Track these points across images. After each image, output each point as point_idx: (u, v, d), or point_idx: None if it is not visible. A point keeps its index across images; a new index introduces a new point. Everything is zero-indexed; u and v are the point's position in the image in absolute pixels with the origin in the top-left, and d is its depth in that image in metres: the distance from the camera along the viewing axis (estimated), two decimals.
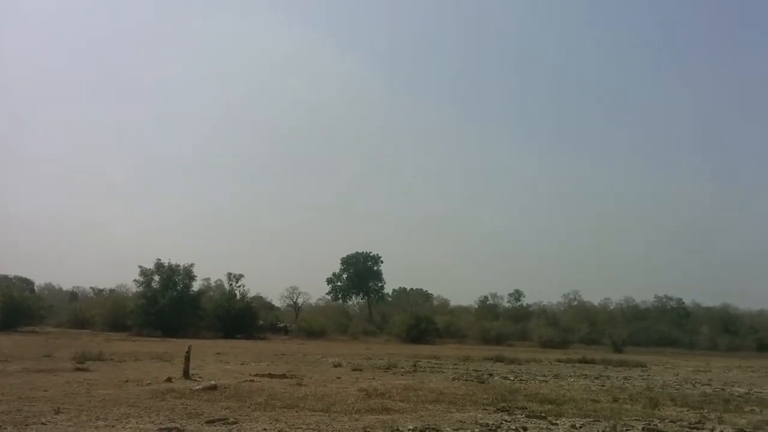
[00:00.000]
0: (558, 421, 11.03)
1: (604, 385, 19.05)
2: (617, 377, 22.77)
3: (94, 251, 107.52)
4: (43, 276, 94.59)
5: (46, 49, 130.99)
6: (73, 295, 74.68)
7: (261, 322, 58.79)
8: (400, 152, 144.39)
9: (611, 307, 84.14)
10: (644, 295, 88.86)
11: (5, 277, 68.02)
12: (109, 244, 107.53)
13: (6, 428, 8.50)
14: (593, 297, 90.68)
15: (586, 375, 23.27)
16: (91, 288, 75.88)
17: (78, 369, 17.22)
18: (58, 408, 10.24)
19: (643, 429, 10.39)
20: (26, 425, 8.78)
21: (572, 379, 20.98)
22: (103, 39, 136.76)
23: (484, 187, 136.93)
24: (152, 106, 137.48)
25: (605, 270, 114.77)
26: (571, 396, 15.21)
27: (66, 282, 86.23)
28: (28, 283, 70.37)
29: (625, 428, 10.40)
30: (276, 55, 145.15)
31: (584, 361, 33.01)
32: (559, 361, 33.34)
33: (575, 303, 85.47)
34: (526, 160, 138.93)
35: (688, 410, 13.54)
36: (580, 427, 10.44)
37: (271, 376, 17.45)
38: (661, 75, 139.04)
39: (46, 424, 8.90)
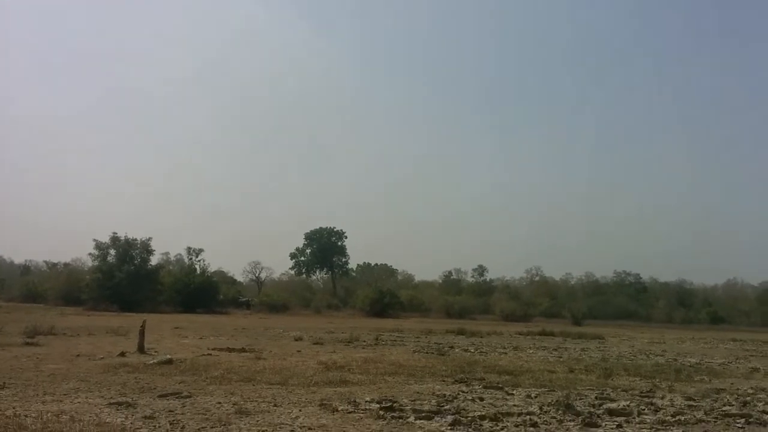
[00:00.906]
0: (514, 392, 11.12)
1: (561, 357, 19.37)
2: (575, 349, 23.20)
3: (48, 223, 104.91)
4: None
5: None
6: (25, 269, 72.83)
7: (221, 296, 58.26)
8: (366, 126, 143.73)
9: (572, 282, 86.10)
10: (604, 270, 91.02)
11: None
12: (64, 218, 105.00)
13: None
14: (555, 272, 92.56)
15: (544, 347, 23.65)
16: (45, 262, 74.16)
17: (28, 343, 16.68)
18: (4, 383, 9.86)
19: (595, 398, 10.54)
20: None
21: (531, 351, 21.28)
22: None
23: (449, 163, 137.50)
24: (109, 76, 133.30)
25: (567, 246, 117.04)
26: (529, 367, 15.40)
27: (18, 255, 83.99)
28: None
29: (578, 397, 10.53)
30: (238, 23, 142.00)
31: (544, 333, 33.62)
32: (520, 333, 33.89)
33: (537, 278, 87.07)
34: (491, 136, 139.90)
35: (640, 380, 13.83)
36: (535, 397, 10.54)
37: (229, 350, 17.23)
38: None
39: None
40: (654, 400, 10.56)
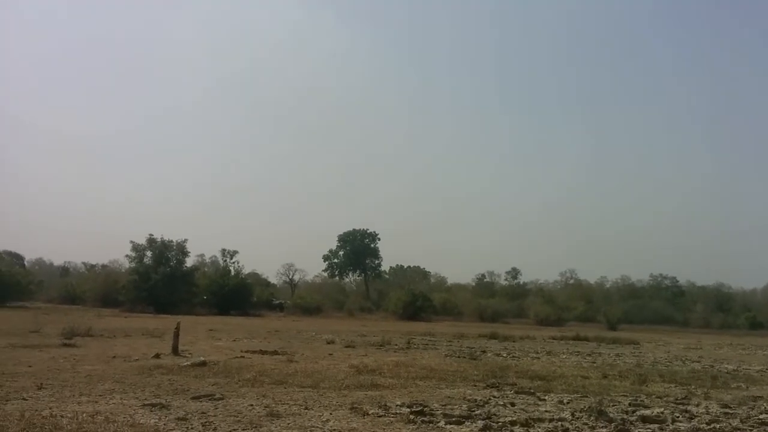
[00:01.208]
0: (546, 397, 10.96)
1: (595, 362, 19.05)
2: (609, 354, 22.80)
3: (86, 226, 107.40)
4: (34, 251, 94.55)
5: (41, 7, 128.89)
6: (64, 271, 74.74)
7: (255, 298, 58.85)
8: (399, 129, 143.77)
9: (607, 286, 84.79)
10: (640, 273, 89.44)
11: None
12: (102, 220, 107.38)
13: None
14: (590, 275, 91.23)
15: (578, 352, 23.29)
16: (83, 263, 76.10)
17: (65, 345, 17.08)
18: (41, 384, 10.10)
19: (629, 404, 10.33)
20: (7, 400, 8.63)
21: (564, 356, 20.98)
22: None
23: (482, 166, 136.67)
24: (148, 83, 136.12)
25: (602, 249, 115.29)
26: (562, 372, 15.18)
27: (57, 257, 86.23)
28: (17, 258, 70.31)
29: (611, 404, 10.33)
30: (278, 29, 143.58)
31: (578, 338, 33.10)
32: (553, 338, 33.45)
33: (572, 281, 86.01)
34: (525, 137, 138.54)
35: (675, 386, 13.51)
36: (568, 403, 10.37)
37: (262, 352, 17.37)
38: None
39: (27, 400, 8.75)
40: (689, 408, 10.30)
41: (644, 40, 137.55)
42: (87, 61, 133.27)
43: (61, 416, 7.64)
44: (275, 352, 17.48)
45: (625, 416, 9.15)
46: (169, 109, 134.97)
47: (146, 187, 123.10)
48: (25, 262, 72.55)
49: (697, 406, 10.59)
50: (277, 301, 64.46)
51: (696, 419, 9.21)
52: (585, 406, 9.64)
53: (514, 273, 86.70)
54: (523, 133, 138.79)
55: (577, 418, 8.89)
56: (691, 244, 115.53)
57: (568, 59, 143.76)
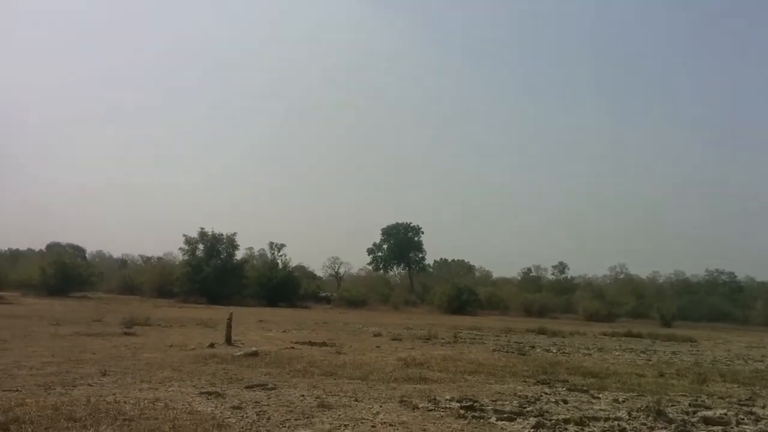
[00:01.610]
0: (600, 395, 10.77)
1: (650, 360, 18.61)
2: (664, 352, 22.23)
3: (142, 220, 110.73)
4: (95, 244, 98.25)
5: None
6: (122, 263, 77.28)
7: (302, 291, 59.56)
8: (444, 123, 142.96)
9: (660, 281, 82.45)
10: (695, 268, 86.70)
11: (58, 245, 70.66)
12: (158, 216, 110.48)
13: (55, 388, 8.75)
14: (641, 270, 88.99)
15: (631, 349, 22.78)
16: (140, 256, 78.53)
17: (126, 333, 17.71)
18: (105, 370, 10.51)
19: (689, 405, 10.04)
20: (74, 386, 9.02)
21: (617, 353, 20.56)
22: None
23: (529, 158, 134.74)
24: (202, 78, 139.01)
25: (654, 243, 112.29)
26: (615, 370, 14.88)
27: (116, 250, 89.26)
28: (80, 251, 73.02)
29: (670, 404, 10.07)
30: (335, 28, 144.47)
31: (630, 335, 32.37)
32: (604, 334, 32.83)
33: (622, 276, 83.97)
34: (573, 130, 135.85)
35: (738, 386, 13.09)
36: (623, 402, 10.17)
37: (311, 343, 17.62)
38: None
39: (92, 386, 9.12)
40: (754, 409, 9.95)
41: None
42: (167, 63, 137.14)
43: (124, 402, 7.94)
44: (324, 344, 17.70)
45: (685, 417, 8.91)
46: (217, 108, 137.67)
47: (198, 184, 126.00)
48: (87, 255, 75.38)
49: (763, 407, 10.24)
50: (324, 294, 65.11)
51: (762, 422, 8.92)
52: (642, 406, 9.43)
53: (562, 267, 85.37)
54: (571, 123, 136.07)
55: (635, 417, 8.70)
56: (750, 239, 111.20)
57: (611, 47, 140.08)
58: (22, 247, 77.52)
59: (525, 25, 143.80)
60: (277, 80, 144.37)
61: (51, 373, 10.07)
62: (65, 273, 47.44)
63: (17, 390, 8.47)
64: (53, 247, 70.08)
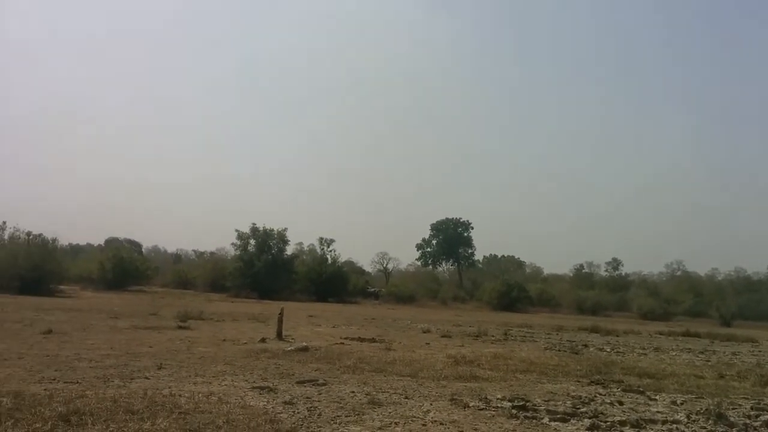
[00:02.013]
0: (657, 397, 10.44)
1: (709, 360, 17.98)
2: (724, 352, 21.43)
3: (197, 216, 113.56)
4: (150, 239, 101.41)
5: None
6: (177, 257, 79.43)
7: (351, 286, 59.96)
8: (494, 120, 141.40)
9: (719, 278, 79.62)
10: (757, 265, 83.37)
11: (116, 240, 73.07)
12: (210, 211, 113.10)
13: (113, 381, 9.02)
14: (699, 267, 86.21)
15: (689, 349, 22.05)
16: (193, 251, 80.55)
17: (180, 327, 18.16)
18: (161, 364, 10.79)
19: (751, 408, 9.62)
20: (131, 379, 9.28)
21: (674, 353, 19.93)
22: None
23: (582, 152, 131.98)
24: (256, 76, 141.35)
25: (713, 239, 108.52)
26: (673, 371, 14.40)
27: (170, 244, 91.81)
28: (136, 246, 75.34)
29: (731, 407, 9.68)
30: (388, 25, 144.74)
31: (688, 334, 31.39)
32: (660, 333, 31.92)
33: (679, 273, 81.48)
34: (630, 123, 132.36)
35: None
36: (681, 404, 9.83)
37: (360, 339, 17.70)
38: None
39: (149, 379, 9.37)
40: None
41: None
42: (212, 70, 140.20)
43: (180, 395, 8.11)
44: (373, 340, 17.76)
45: (747, 421, 8.55)
46: (274, 109, 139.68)
47: (250, 180, 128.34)
48: (143, 250, 77.72)
49: None
50: (372, 289, 65.38)
51: None
52: (701, 408, 9.09)
53: (615, 264, 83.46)
54: (626, 117, 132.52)
55: (694, 420, 8.40)
56: None
57: (665, 44, 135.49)
58: (82, 242, 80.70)
59: (584, 12, 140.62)
60: (328, 76, 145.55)
61: (110, 366, 10.39)
62: (123, 267, 48.97)
63: (78, 382, 8.76)
64: (111, 242, 72.51)
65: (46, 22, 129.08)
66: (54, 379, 8.90)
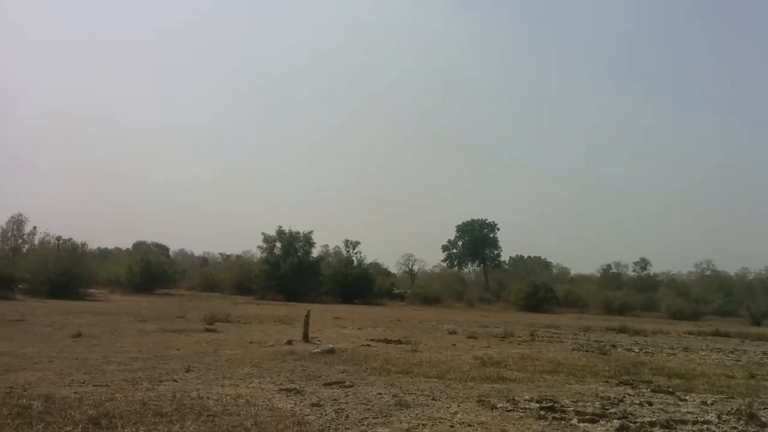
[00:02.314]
0: (687, 397, 10.27)
1: (739, 360, 17.63)
2: (755, 352, 21.00)
3: (223, 220, 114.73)
4: (177, 242, 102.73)
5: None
6: (203, 260, 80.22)
7: (376, 288, 59.98)
8: (522, 121, 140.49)
9: (749, 277, 77.93)
10: None
11: (144, 243, 74.13)
12: (236, 214, 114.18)
13: (142, 384, 9.15)
14: (729, 267, 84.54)
15: (719, 349, 21.65)
16: (220, 254, 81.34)
17: (207, 330, 18.36)
18: (189, 366, 10.92)
19: None
20: (160, 381, 9.40)
21: (704, 353, 19.58)
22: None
23: (609, 153, 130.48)
24: (277, 76, 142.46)
25: (743, 238, 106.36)
26: (702, 371, 14.16)
27: (197, 248, 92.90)
28: (163, 249, 76.38)
29: (762, 406, 9.49)
30: (415, 32, 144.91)
31: (717, 334, 30.81)
32: (689, 333, 31.38)
33: (708, 272, 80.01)
34: (658, 123, 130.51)
35: None
36: (712, 404, 9.66)
37: (386, 341, 17.70)
38: None
39: (177, 381, 9.49)
40: None
41: None
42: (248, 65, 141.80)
43: (208, 398, 8.20)
44: (399, 341, 17.75)
45: None
46: (296, 108, 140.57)
47: (273, 183, 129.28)
48: (170, 253, 78.75)
49: None
50: (398, 291, 65.33)
51: None
52: (732, 409, 8.94)
53: (643, 264, 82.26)
54: (657, 118, 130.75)
55: (725, 421, 8.26)
56: None
57: (706, 43, 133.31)
58: (110, 246, 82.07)
59: (623, 17, 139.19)
60: (352, 75, 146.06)
61: (138, 369, 10.54)
62: (150, 271, 49.65)
63: (107, 385, 8.90)
64: (139, 246, 73.62)
65: (69, 23, 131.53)
66: (83, 383, 9.06)
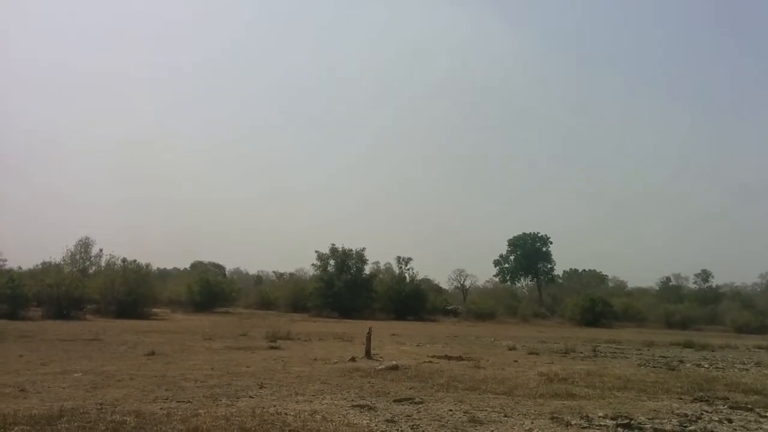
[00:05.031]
0: (767, 414, 9.98)
1: None
2: None
3: (277, 239, 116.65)
4: (232, 261, 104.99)
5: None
6: (258, 279, 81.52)
7: (429, 304, 59.75)
8: (564, 130, 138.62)
9: None
10: None
11: (201, 263, 76.00)
12: (285, 232, 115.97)
13: (221, 400, 9.48)
14: None
15: None
16: (274, 272, 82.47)
17: (271, 347, 18.76)
18: (262, 383, 11.23)
19: None
20: (237, 398, 9.72)
21: None
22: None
23: (665, 161, 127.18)
24: (313, 87, 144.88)
25: None
26: None
27: (252, 266, 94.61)
28: (220, 269, 78.07)
29: None
30: (445, 41, 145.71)
31: None
32: (759, 347, 30.13)
33: None
34: (720, 127, 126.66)
35: None
36: None
37: (447, 357, 17.71)
38: None
39: (253, 397, 9.78)
40: None
41: None
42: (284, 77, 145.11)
43: (286, 413, 8.44)
44: (460, 358, 17.73)
45: None
46: (332, 108, 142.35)
47: (326, 202, 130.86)
48: (226, 272, 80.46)
49: None
50: (451, 307, 64.90)
51: None
52: None
53: (705, 275, 79.29)
54: (714, 122, 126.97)
55: None
56: None
57: (749, 48, 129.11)
58: (169, 266, 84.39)
59: (660, 24, 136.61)
60: (397, 87, 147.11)
61: (214, 385, 10.90)
62: (209, 290, 50.80)
63: (189, 401, 9.26)
64: (197, 266, 75.48)
65: (126, 57, 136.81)
66: (167, 399, 9.45)
